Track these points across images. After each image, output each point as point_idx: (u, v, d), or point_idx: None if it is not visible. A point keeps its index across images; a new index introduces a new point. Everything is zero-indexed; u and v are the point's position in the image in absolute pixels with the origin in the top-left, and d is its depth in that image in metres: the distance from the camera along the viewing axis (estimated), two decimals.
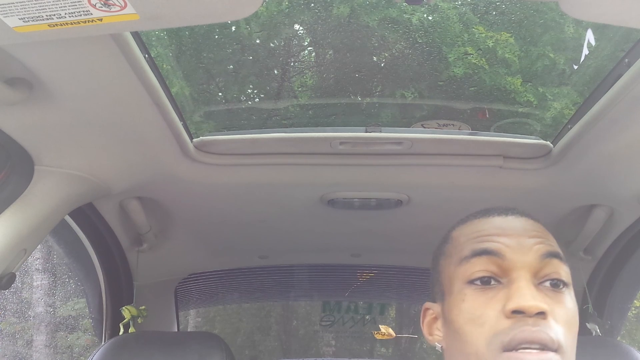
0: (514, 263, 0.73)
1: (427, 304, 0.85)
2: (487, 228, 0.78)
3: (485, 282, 0.74)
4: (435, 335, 0.82)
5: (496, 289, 0.73)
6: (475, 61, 2.10)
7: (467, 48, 2.06)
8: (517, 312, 0.69)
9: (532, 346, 0.67)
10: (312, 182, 1.45)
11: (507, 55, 2.13)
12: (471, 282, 0.75)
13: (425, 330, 0.85)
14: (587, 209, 1.52)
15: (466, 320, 0.73)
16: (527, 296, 0.70)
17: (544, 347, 0.67)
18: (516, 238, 0.76)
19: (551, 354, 0.67)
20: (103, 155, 1.18)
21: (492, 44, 2.08)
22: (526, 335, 0.68)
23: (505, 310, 0.70)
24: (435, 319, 0.83)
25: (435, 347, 0.84)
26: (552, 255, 0.75)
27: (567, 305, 0.73)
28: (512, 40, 2.12)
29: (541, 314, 0.69)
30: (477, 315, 0.72)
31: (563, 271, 0.75)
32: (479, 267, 0.74)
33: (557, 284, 0.74)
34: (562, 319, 0.71)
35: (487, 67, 2.13)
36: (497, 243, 0.75)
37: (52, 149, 1.09)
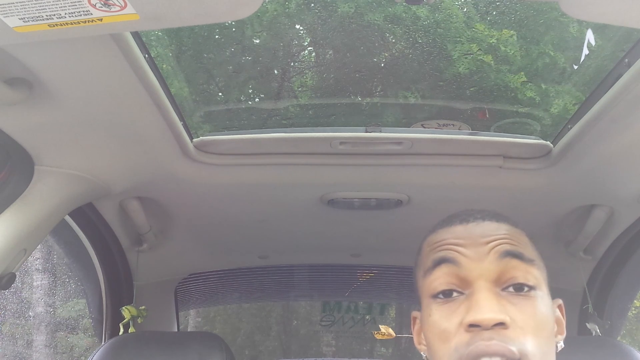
0: (472, 271, 0.72)
1: (414, 313, 0.85)
2: (447, 237, 0.77)
3: (447, 294, 0.73)
4: (421, 345, 0.82)
5: (458, 301, 0.72)
6: (481, 57, 2.11)
7: (471, 45, 2.06)
8: (473, 326, 0.68)
9: (493, 358, 0.66)
10: (312, 182, 1.45)
11: (508, 52, 2.13)
12: (435, 296, 0.74)
13: (415, 338, 0.85)
14: (587, 209, 1.52)
15: (433, 335, 0.73)
16: (483, 308, 0.68)
17: (503, 358, 0.66)
18: (474, 245, 0.74)
19: None
20: (103, 155, 1.18)
21: (494, 41, 2.09)
22: (481, 349, 0.67)
23: (463, 324, 0.69)
24: (420, 328, 0.83)
25: None
26: (511, 254, 0.73)
27: (535, 310, 0.71)
28: (513, 39, 2.12)
29: (501, 325, 0.67)
30: (441, 330, 0.72)
31: (528, 273, 0.72)
32: (440, 279, 0.74)
33: (520, 288, 0.72)
34: (528, 326, 0.69)
35: (492, 63, 2.14)
36: (453, 252, 0.74)
37: (52, 149, 1.09)
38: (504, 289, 0.72)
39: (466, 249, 0.74)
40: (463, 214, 0.80)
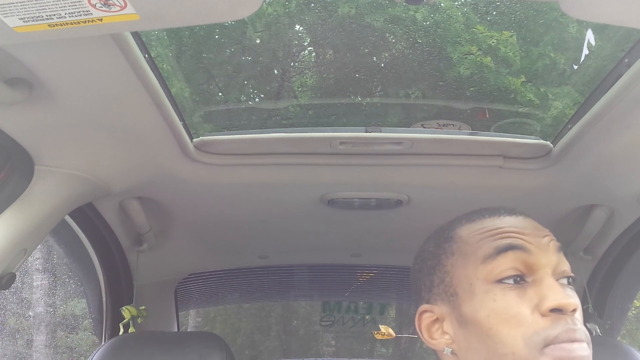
0: (540, 259, 0.74)
1: (425, 307, 0.81)
2: (504, 226, 0.78)
3: (516, 280, 0.74)
4: (439, 339, 0.79)
5: (524, 287, 0.74)
6: (481, 59, 2.11)
7: (471, 46, 2.06)
8: (554, 311, 0.70)
9: (582, 344, 0.70)
10: (312, 182, 1.44)
11: (508, 53, 2.13)
12: (500, 281, 0.74)
13: (424, 334, 0.81)
14: (587, 209, 1.52)
15: (500, 321, 0.72)
16: (561, 294, 0.71)
17: (581, 339, 0.70)
18: (535, 236, 0.77)
19: (585, 345, 0.71)
20: (103, 155, 1.18)
21: (493, 43, 2.09)
22: (570, 335, 0.69)
23: (542, 308, 0.71)
24: (437, 321, 0.80)
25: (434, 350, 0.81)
26: (561, 249, 0.78)
27: (579, 301, 0.75)
28: (513, 40, 2.12)
29: (574, 311, 0.71)
30: (512, 314, 0.72)
31: (569, 267, 0.77)
32: (507, 265, 0.74)
33: (570, 280, 0.77)
34: (580, 314, 0.74)
35: (492, 65, 2.14)
36: (519, 240, 0.76)
37: (52, 149, 1.09)
38: (558, 280, 0.75)
39: (529, 237, 0.76)
40: (503, 207, 0.82)
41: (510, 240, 0.76)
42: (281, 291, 2.76)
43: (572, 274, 0.77)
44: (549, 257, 0.75)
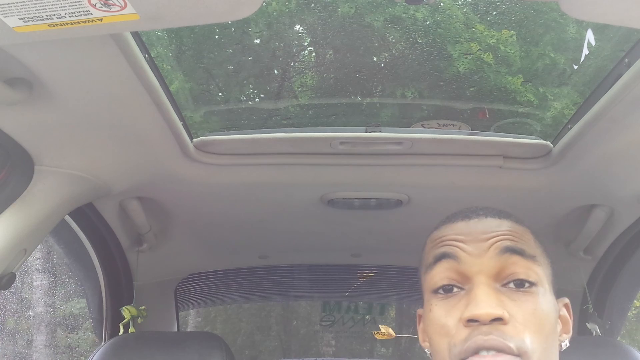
0: (471, 267, 0.72)
1: (419, 311, 0.85)
2: (448, 233, 0.77)
3: (447, 290, 0.73)
4: (425, 342, 0.82)
5: (458, 296, 0.73)
6: (481, 58, 2.11)
7: (471, 45, 2.06)
8: (472, 321, 0.68)
9: (490, 352, 0.66)
10: (312, 182, 1.44)
11: (508, 52, 2.13)
12: (435, 291, 0.75)
13: (419, 335, 0.85)
14: (587, 209, 1.52)
15: (434, 331, 0.73)
16: (481, 303, 0.68)
17: (500, 352, 0.66)
18: (474, 242, 0.74)
19: (509, 357, 0.66)
20: (103, 155, 1.18)
21: (493, 42, 2.09)
22: (479, 344, 0.67)
23: (462, 319, 0.69)
24: None
25: None
26: (511, 250, 0.73)
27: (536, 306, 0.70)
28: (513, 39, 2.12)
29: (499, 320, 0.67)
30: (441, 325, 0.72)
31: (529, 270, 0.72)
32: (440, 274, 0.74)
33: (520, 284, 0.72)
34: (528, 322, 0.69)
35: (490, 63, 2.14)
36: (454, 247, 0.75)
37: (52, 149, 1.09)
38: (503, 285, 0.72)
39: (466, 244, 0.74)
40: (466, 210, 0.80)
41: (444, 249, 0.75)
42: (281, 291, 2.76)
43: (525, 277, 0.71)
44: (483, 262, 0.72)
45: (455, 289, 0.73)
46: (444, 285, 0.74)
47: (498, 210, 0.80)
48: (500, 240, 0.74)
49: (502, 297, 0.70)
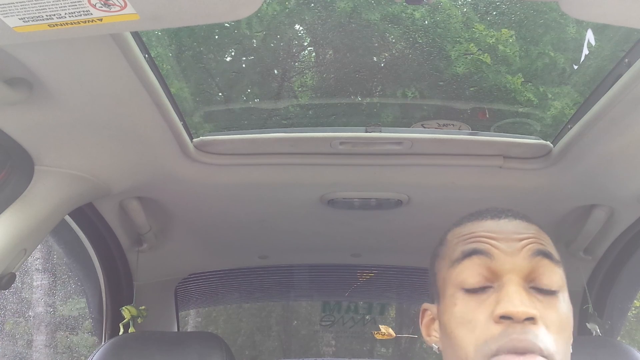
0: (504, 265, 0.73)
1: (425, 305, 0.85)
2: (478, 230, 0.78)
3: (477, 286, 0.73)
4: (432, 336, 0.82)
5: (487, 293, 0.73)
6: (481, 57, 2.11)
7: (470, 45, 2.07)
8: (505, 318, 0.68)
9: (527, 355, 0.66)
10: (312, 182, 1.45)
11: (508, 52, 2.13)
12: (463, 286, 0.74)
13: (423, 330, 0.85)
14: (587, 209, 1.52)
15: (457, 325, 0.73)
16: (515, 301, 0.68)
17: (529, 351, 0.66)
18: (507, 240, 0.75)
19: (539, 358, 0.66)
20: (103, 155, 1.18)
21: (492, 41, 2.09)
22: (514, 344, 0.67)
23: (493, 315, 0.69)
24: (433, 320, 0.83)
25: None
26: (543, 254, 0.74)
27: (559, 309, 0.72)
28: (513, 39, 2.12)
29: (530, 320, 0.68)
30: (468, 320, 0.72)
31: (555, 274, 0.74)
32: (470, 270, 0.74)
33: (548, 287, 0.73)
34: (553, 325, 0.70)
35: (490, 63, 2.14)
36: (486, 244, 0.75)
37: (52, 149, 1.09)
38: (532, 287, 0.73)
39: (499, 242, 0.75)
40: (494, 210, 0.81)
41: (475, 245, 0.75)
42: (281, 291, 2.76)
43: (552, 281, 0.73)
44: (516, 262, 0.73)
45: (484, 286, 0.73)
46: (474, 281, 0.73)
47: (524, 214, 0.81)
48: (532, 242, 0.75)
49: (532, 298, 0.71)
